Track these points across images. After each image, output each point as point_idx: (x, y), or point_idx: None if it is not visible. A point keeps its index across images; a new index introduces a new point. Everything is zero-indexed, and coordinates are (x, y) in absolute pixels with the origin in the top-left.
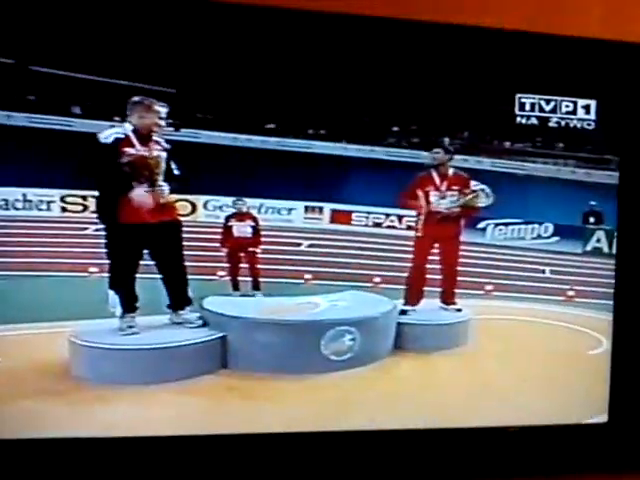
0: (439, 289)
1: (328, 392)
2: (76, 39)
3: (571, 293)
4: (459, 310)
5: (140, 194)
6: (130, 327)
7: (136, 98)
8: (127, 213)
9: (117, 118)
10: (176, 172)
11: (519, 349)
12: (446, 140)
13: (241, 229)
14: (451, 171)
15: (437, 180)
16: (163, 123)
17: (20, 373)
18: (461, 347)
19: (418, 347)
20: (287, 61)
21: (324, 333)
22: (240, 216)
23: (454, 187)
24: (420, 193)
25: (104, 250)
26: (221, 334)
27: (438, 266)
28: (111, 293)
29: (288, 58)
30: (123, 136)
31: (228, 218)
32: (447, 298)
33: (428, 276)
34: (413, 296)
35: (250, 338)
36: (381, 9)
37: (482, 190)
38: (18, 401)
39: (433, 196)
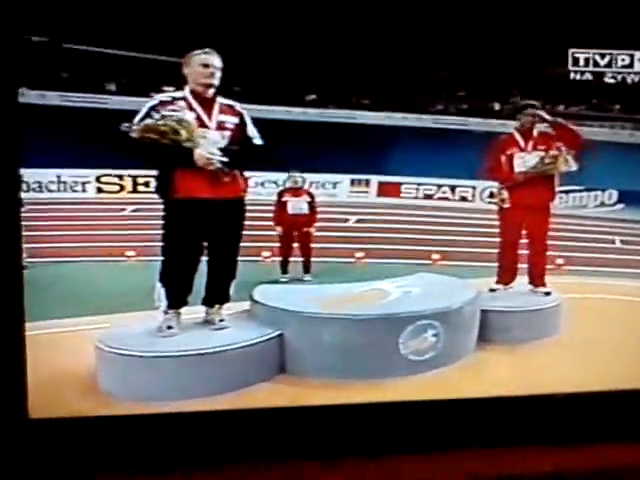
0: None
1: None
2: (109, 14)
3: None
4: (548, 294)
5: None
6: (169, 327)
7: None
8: (180, 187)
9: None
10: (257, 141)
11: (612, 334)
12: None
13: (297, 205)
14: (536, 131)
15: (521, 141)
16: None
17: (45, 386)
18: (554, 336)
19: (507, 338)
20: (324, 27)
21: (403, 329)
22: (295, 191)
23: (540, 147)
24: (503, 158)
25: (144, 232)
26: (277, 332)
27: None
28: (158, 286)
29: (324, 24)
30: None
31: (281, 193)
32: (535, 279)
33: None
34: (505, 275)
35: (313, 337)
36: None
37: (567, 154)
38: None
39: (517, 158)
